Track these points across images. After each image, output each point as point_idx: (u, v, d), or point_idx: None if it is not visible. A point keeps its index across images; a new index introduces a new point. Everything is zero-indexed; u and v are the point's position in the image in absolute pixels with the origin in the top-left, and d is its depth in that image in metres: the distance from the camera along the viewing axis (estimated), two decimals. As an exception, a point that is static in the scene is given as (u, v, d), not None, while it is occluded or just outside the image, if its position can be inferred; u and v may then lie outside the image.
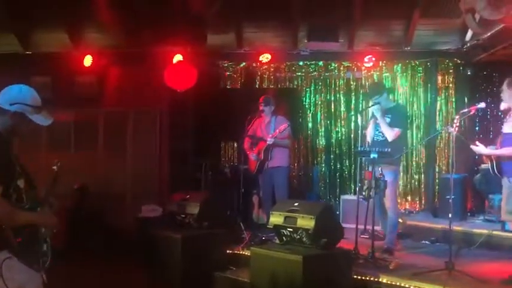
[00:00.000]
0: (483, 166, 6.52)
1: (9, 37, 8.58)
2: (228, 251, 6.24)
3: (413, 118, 8.85)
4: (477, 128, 8.51)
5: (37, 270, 2.89)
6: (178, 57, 8.35)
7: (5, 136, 2.89)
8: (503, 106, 5.16)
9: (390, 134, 5.92)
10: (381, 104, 5.97)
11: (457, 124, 5.20)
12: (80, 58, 8.52)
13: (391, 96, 7.87)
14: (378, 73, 8.98)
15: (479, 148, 5.16)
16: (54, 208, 3.10)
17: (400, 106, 7.25)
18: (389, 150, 5.66)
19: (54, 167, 3.29)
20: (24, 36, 8.67)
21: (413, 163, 8.86)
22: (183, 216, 6.33)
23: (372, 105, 6.01)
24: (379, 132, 6.05)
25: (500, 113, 6.26)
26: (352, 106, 9.11)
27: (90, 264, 7.07)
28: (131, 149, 8.91)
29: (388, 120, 5.98)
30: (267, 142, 6.91)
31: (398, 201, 7.77)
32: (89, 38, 8.66)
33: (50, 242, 3.00)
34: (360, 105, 9.00)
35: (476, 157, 6.45)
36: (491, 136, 8.03)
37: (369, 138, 6.20)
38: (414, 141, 8.82)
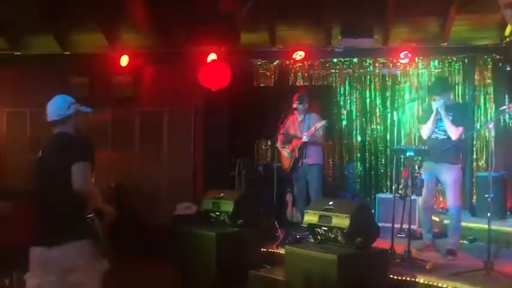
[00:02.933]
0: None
1: (48, 38, 8.79)
2: (262, 249, 6.24)
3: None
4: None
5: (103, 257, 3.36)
6: (212, 56, 8.41)
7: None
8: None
9: (454, 132, 5.66)
10: (444, 101, 5.75)
11: None
12: (116, 58, 8.67)
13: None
14: (413, 69, 8.84)
15: None
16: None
17: (464, 104, 6.95)
18: (426, 148, 5.58)
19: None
20: (62, 37, 8.86)
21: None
22: (218, 214, 6.37)
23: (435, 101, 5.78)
24: (441, 130, 5.81)
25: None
26: (388, 103, 8.99)
27: (125, 262, 7.16)
28: (166, 148, 9.02)
29: (450, 118, 5.73)
30: (302, 140, 6.87)
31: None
32: (125, 39, 8.80)
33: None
34: (396, 102, 8.89)
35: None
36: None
37: (425, 136, 5.97)
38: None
